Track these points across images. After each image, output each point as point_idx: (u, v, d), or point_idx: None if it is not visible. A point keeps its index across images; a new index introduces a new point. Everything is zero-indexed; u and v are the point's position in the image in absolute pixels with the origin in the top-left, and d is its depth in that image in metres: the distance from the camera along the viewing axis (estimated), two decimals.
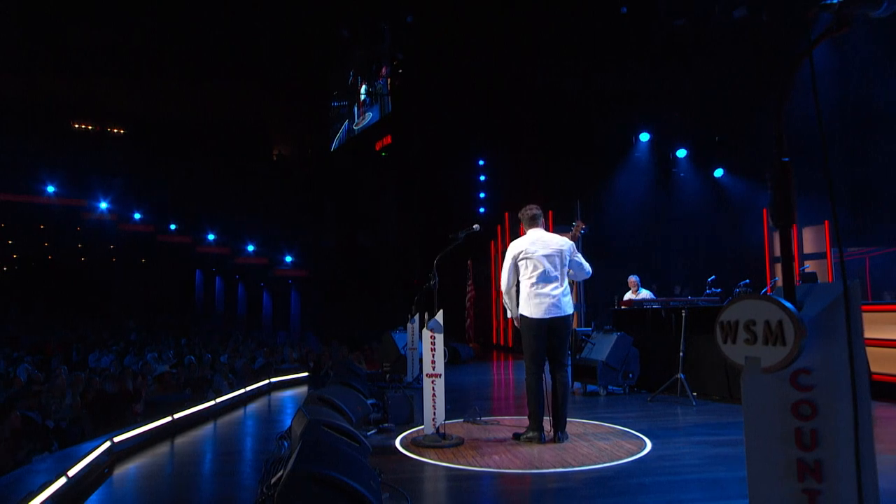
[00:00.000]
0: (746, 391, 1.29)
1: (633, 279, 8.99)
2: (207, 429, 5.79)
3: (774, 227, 1.25)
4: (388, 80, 23.78)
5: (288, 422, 6.01)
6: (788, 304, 1.21)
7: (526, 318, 4.66)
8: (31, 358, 11.90)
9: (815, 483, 1.24)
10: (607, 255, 10.97)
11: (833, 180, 1.34)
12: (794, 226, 1.30)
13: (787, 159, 1.17)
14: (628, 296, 8.85)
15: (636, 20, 12.08)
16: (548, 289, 4.62)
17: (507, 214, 14.42)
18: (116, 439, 4.23)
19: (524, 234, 4.91)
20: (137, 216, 29.11)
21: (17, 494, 2.80)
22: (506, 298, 4.88)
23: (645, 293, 8.80)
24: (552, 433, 4.61)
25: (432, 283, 4.92)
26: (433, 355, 4.71)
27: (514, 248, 4.79)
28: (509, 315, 4.95)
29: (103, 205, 27.80)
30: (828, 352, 1.24)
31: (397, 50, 22.22)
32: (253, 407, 7.11)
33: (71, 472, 3.24)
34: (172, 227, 29.76)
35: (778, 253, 12.11)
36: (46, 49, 26.69)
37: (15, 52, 26.34)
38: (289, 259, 29.18)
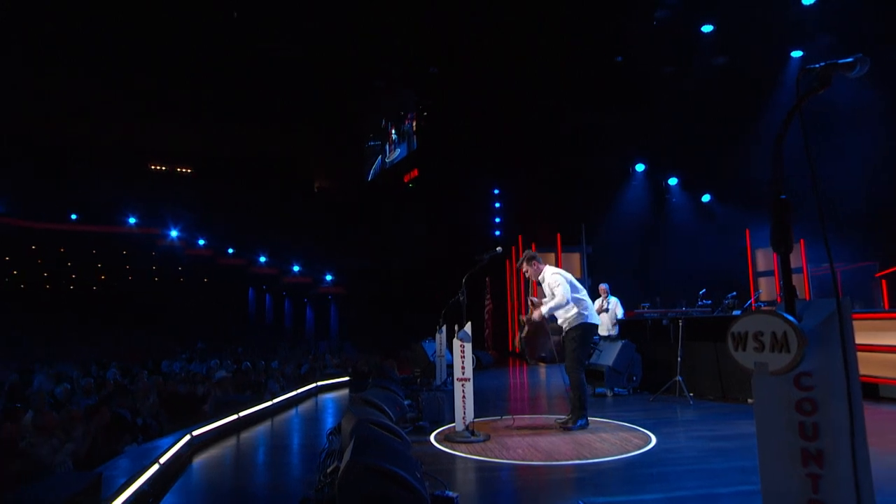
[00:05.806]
0: (756, 391, 1.33)
1: (603, 287, 8.97)
2: (266, 425, 5.87)
3: (774, 252, 1.30)
4: (415, 122, 24.19)
5: (332, 420, 6.08)
6: (792, 318, 1.25)
7: (591, 325, 4.96)
8: (115, 364, 12.16)
9: (818, 468, 1.27)
10: (609, 272, 10.95)
11: (821, 207, 1.38)
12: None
13: (784, 196, 1.23)
14: (598, 302, 8.69)
15: (630, 66, 12.19)
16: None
17: (520, 237, 14.42)
18: (195, 433, 4.32)
19: (545, 267, 5.11)
20: (201, 242, 29.87)
21: (122, 477, 2.91)
22: (565, 306, 4.89)
23: (613, 300, 8.75)
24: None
25: (461, 298, 4.95)
26: (463, 361, 4.71)
27: (567, 274, 5.08)
28: (545, 312, 4.89)
29: (173, 233, 28.68)
30: (825, 358, 1.28)
31: (423, 95, 22.63)
32: (303, 407, 7.17)
33: (162, 460, 3.33)
34: (230, 251, 30.42)
35: (760, 268, 11.97)
36: (127, 101, 27.81)
37: (102, 105, 27.49)
38: (329, 278, 29.53)
